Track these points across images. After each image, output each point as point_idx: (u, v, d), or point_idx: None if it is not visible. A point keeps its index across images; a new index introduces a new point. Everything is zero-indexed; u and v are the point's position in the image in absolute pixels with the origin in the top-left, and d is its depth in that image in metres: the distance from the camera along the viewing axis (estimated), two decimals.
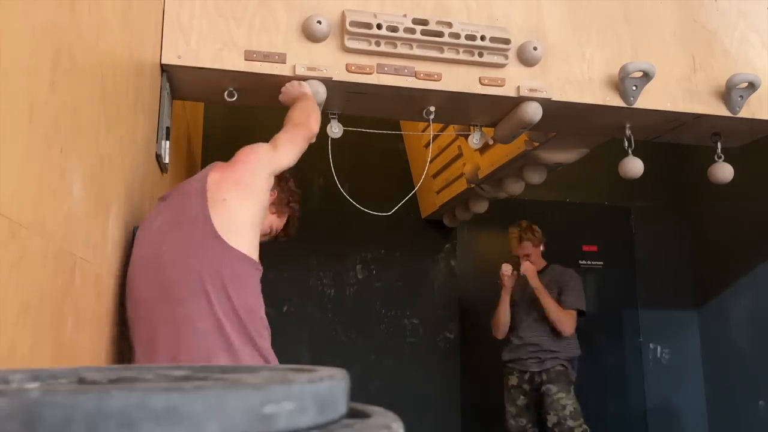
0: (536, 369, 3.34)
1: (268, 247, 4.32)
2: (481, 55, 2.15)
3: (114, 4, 1.30)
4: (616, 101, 2.26)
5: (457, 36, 2.11)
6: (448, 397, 4.18)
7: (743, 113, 2.35)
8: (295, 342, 4.03)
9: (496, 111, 2.31)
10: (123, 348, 1.52)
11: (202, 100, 3.04)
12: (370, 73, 2.07)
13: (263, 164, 1.60)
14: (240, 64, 1.98)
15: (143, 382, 0.50)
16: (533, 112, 2.19)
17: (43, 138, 0.90)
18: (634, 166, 2.44)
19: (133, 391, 0.40)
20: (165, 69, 1.97)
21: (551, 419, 3.23)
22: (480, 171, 3.40)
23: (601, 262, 4.56)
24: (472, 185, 3.58)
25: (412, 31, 2.08)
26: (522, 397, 3.38)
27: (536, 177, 3.26)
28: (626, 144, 2.45)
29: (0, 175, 0.76)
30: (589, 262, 4.54)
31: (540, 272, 3.45)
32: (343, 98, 2.16)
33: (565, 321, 3.30)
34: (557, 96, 2.21)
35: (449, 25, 2.12)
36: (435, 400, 4.14)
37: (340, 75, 2.04)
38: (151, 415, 0.39)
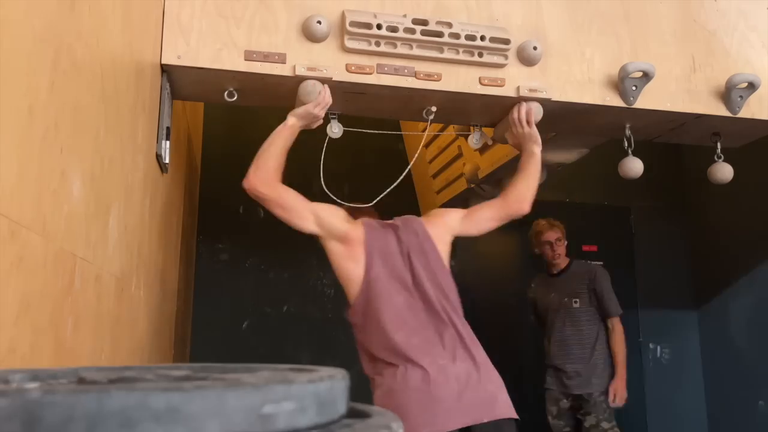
0: None
1: (269, 246, 4.31)
2: (481, 55, 2.15)
3: (114, 4, 1.30)
4: (616, 101, 2.26)
5: (457, 36, 2.11)
6: None
7: (743, 113, 2.35)
8: (295, 342, 4.03)
9: (495, 111, 2.31)
10: (122, 348, 1.52)
11: (202, 100, 3.04)
12: (370, 73, 2.07)
13: None
14: (240, 64, 1.98)
15: (143, 382, 0.50)
16: (533, 112, 2.18)
17: (43, 138, 0.90)
18: (634, 166, 2.44)
19: (133, 391, 0.40)
20: (165, 69, 1.97)
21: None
22: (480, 171, 3.40)
23: (601, 263, 4.55)
24: (472, 185, 3.58)
25: (412, 31, 2.08)
26: None
27: None
28: (626, 144, 2.45)
29: (0, 174, 0.76)
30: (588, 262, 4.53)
31: (564, 270, 3.61)
32: (343, 98, 2.16)
33: None
34: (557, 96, 2.21)
35: (449, 25, 2.12)
36: None
37: (340, 75, 2.04)
38: (151, 415, 0.39)
